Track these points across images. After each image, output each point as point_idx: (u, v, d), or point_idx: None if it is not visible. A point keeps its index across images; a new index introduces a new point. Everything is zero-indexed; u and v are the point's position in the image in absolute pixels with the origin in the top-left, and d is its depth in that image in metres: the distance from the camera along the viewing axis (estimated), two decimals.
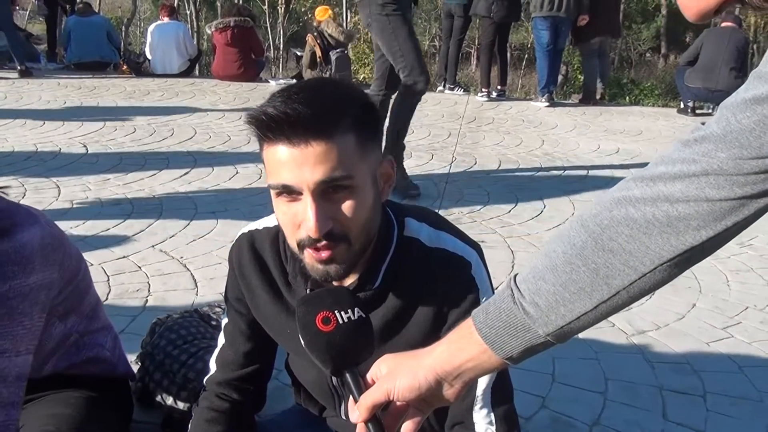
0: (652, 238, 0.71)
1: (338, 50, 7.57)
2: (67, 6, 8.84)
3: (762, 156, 0.66)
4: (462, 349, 0.78)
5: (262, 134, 0.92)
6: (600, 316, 0.75)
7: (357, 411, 0.79)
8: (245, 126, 0.94)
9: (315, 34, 7.64)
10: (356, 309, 0.84)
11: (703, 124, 0.72)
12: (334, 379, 1.16)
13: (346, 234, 0.94)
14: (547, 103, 6.87)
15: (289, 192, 0.93)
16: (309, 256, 0.96)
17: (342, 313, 0.83)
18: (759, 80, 0.67)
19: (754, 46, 16.50)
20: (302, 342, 0.83)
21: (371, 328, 0.85)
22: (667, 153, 0.73)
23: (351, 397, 0.81)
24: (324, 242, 0.93)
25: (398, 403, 0.80)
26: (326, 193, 0.92)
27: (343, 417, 1.22)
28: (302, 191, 0.91)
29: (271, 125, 0.90)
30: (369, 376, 0.82)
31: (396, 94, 3.68)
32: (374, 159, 0.98)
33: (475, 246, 1.09)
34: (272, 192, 0.96)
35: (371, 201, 0.97)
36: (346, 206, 0.93)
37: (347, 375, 0.82)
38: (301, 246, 0.95)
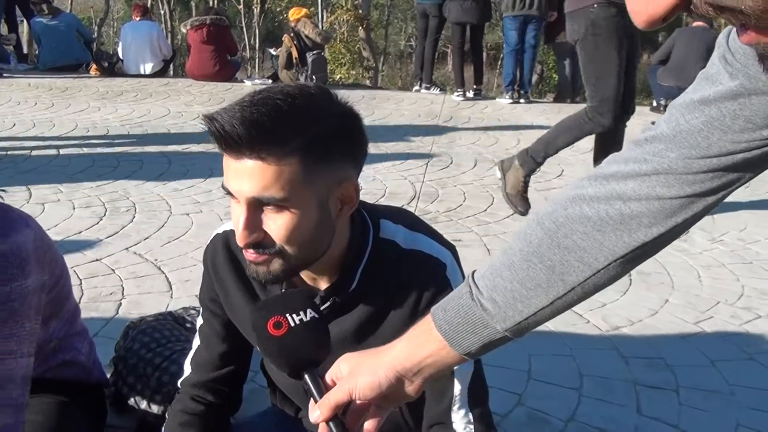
0: (606, 235, 0.73)
1: (315, 51, 7.56)
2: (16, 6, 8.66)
3: (710, 156, 0.68)
4: (421, 345, 0.79)
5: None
6: (556, 311, 0.77)
7: (318, 411, 0.79)
8: None
9: (291, 34, 7.61)
10: (309, 310, 0.84)
11: (653, 123, 0.74)
12: None
13: (279, 249, 0.94)
14: (510, 100, 6.97)
15: (232, 196, 0.94)
16: (246, 255, 0.97)
17: (294, 315, 0.82)
18: (706, 82, 0.69)
19: None
20: (258, 348, 0.83)
21: (326, 327, 0.86)
22: (620, 152, 0.75)
23: (311, 398, 0.81)
24: (251, 250, 0.94)
25: (358, 402, 0.81)
26: (260, 206, 0.92)
27: None
28: (239, 199, 0.92)
29: (214, 136, 0.90)
30: (329, 376, 0.83)
31: (577, 113, 3.30)
32: (328, 181, 0.94)
33: (450, 247, 1.10)
34: None
35: (312, 224, 0.94)
36: (278, 225, 0.92)
37: (306, 376, 0.82)
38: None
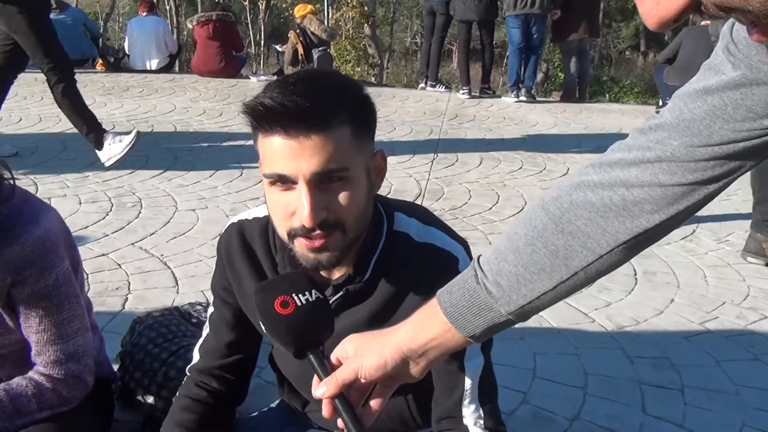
0: (609, 221, 0.74)
1: (321, 48, 7.56)
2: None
3: (711, 144, 0.69)
4: (427, 328, 0.81)
5: (258, 124, 0.92)
6: (559, 295, 0.79)
7: (324, 387, 0.81)
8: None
9: (297, 31, 7.61)
10: (313, 291, 0.86)
11: (657, 112, 0.76)
12: None
13: (341, 222, 0.95)
14: (515, 99, 6.98)
15: (284, 181, 0.93)
16: (300, 245, 0.96)
17: (300, 295, 0.85)
18: (709, 72, 0.71)
19: None
20: (263, 328, 0.85)
21: (330, 308, 0.88)
22: (625, 140, 0.76)
23: (315, 375, 0.83)
24: (318, 231, 0.94)
25: (362, 381, 0.82)
26: (321, 183, 0.92)
27: None
28: (297, 181, 0.92)
29: (268, 116, 0.90)
30: (334, 356, 0.85)
31: None
32: (368, 151, 0.99)
33: (463, 242, 1.11)
34: (266, 181, 0.96)
35: (365, 192, 0.98)
36: (341, 197, 0.94)
37: (311, 355, 0.84)
38: (292, 235, 0.96)
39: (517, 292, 0.77)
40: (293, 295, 0.84)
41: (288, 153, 0.90)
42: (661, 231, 0.75)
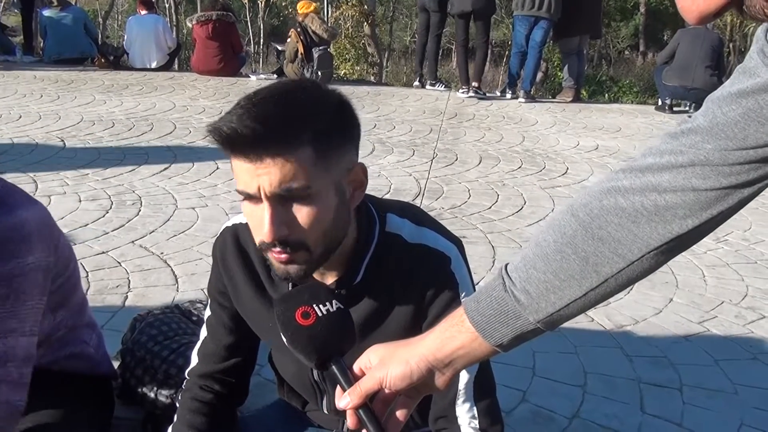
0: (641, 226, 0.73)
1: (321, 47, 7.55)
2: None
3: (746, 147, 0.68)
4: (453, 337, 0.79)
5: (221, 147, 0.93)
6: (589, 303, 0.77)
7: (348, 398, 0.80)
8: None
9: (298, 29, 7.60)
10: (334, 301, 0.85)
11: (689, 117, 0.74)
12: (315, 373, 1.17)
13: (303, 241, 0.95)
14: (510, 96, 7.12)
15: (250, 198, 0.94)
16: (271, 257, 0.98)
17: (320, 306, 0.84)
18: (744, 75, 0.69)
19: (731, 45, 16.75)
20: (284, 340, 0.84)
21: (351, 318, 0.87)
22: (656, 145, 0.75)
23: (339, 386, 0.82)
24: (278, 248, 0.95)
25: (387, 391, 0.81)
26: (284, 200, 0.93)
27: (325, 411, 1.23)
28: (261, 198, 0.93)
29: (227, 142, 0.90)
30: (357, 366, 0.83)
31: None
32: (340, 167, 0.97)
33: (456, 241, 1.10)
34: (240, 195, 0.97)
35: (332, 209, 0.96)
36: (303, 215, 0.94)
37: (333, 366, 0.83)
38: (262, 248, 0.97)
39: (546, 300, 0.76)
40: (314, 305, 0.84)
41: (250, 173, 0.92)
42: (694, 236, 0.73)
